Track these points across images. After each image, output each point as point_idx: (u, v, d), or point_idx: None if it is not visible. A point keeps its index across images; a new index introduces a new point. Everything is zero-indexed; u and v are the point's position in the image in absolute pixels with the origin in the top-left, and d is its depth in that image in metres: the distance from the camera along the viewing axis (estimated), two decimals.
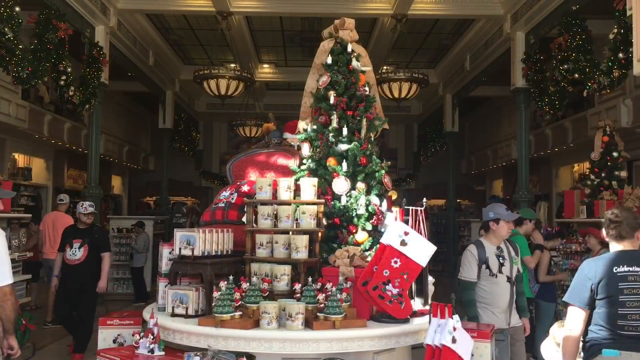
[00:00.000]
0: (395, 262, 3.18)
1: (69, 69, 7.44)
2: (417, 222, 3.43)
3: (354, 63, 3.97)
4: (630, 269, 3.02)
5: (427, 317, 3.38)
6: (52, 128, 11.00)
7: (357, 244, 3.70)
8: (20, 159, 11.54)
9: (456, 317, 3.00)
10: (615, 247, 3.10)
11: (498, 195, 15.56)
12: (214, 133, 18.40)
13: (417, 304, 3.62)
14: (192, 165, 17.36)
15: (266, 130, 5.50)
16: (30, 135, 10.61)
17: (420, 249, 3.20)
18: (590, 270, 3.02)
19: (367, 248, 3.71)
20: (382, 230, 3.76)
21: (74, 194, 11.69)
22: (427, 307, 3.56)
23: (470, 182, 18.15)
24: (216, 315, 3.01)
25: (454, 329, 2.96)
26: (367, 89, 4.00)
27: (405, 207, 3.44)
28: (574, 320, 2.98)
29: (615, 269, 2.98)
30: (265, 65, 14.42)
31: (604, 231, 3.15)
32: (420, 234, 3.29)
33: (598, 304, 2.94)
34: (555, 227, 8.24)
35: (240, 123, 13.61)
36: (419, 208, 3.50)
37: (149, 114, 16.39)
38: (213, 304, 3.08)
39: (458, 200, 16.43)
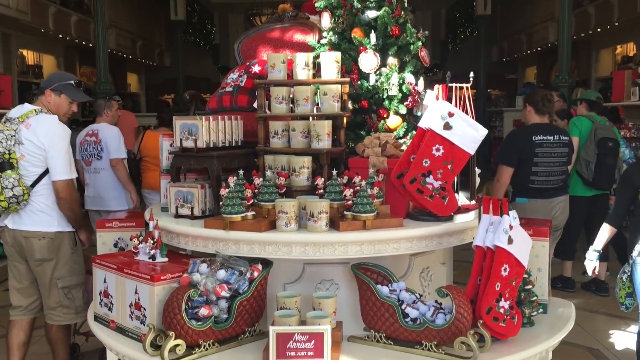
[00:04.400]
0: (438, 150, 2.63)
1: None
2: (463, 103, 2.85)
3: None
4: (544, 137, 4.41)
5: (472, 214, 2.88)
6: (57, 21, 10.36)
7: (389, 131, 3.15)
8: (30, 56, 11.01)
9: (513, 213, 2.49)
10: (535, 119, 4.54)
11: (532, 82, 14.69)
12: (230, 26, 17.48)
13: (461, 198, 3.10)
14: (209, 61, 16.64)
15: (282, 12, 4.81)
16: (36, 30, 9.99)
17: (468, 134, 2.63)
18: (516, 138, 4.54)
19: (400, 136, 3.16)
20: (419, 114, 3.19)
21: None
22: (473, 202, 3.05)
23: (501, 70, 17.20)
24: (225, 215, 2.54)
25: (511, 227, 2.45)
26: None
27: (450, 84, 2.84)
28: (502, 175, 4.38)
29: (534, 137, 4.35)
30: None
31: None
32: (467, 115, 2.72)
33: (519, 164, 4.24)
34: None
35: (256, 12, 12.77)
36: (464, 85, 2.90)
37: (161, 6, 15.49)
38: (221, 203, 2.60)
39: (488, 90, 15.61)
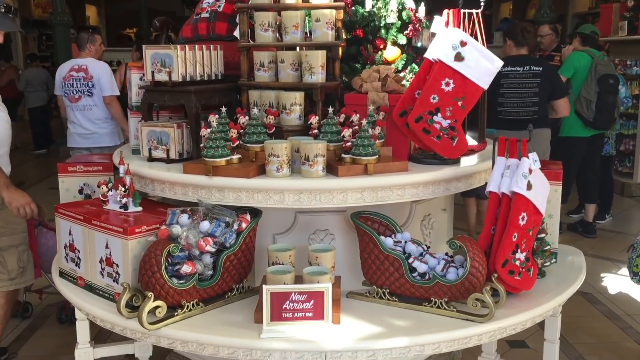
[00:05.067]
0: (447, 84, 2.33)
1: None
2: (474, 32, 2.53)
3: None
4: (513, 68, 4.39)
5: (475, 156, 2.62)
6: None
7: (387, 64, 2.83)
8: None
9: (533, 156, 2.23)
10: (513, 52, 4.52)
11: (508, 18, 14.34)
12: None
13: (468, 139, 2.83)
14: None
15: None
16: None
17: (482, 66, 2.33)
18: None
19: (399, 69, 2.84)
20: (419, 44, 2.87)
21: (41, 25, 10.52)
22: (483, 143, 2.79)
23: (475, 5, 16.74)
24: (207, 159, 2.22)
25: (530, 171, 2.20)
26: None
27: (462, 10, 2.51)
28: None
29: (502, 69, 3.92)
30: None
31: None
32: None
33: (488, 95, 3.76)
34: None
35: None
36: (474, 11, 2.57)
37: None
38: (202, 145, 2.28)
39: None
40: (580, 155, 5.22)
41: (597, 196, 5.58)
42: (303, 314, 2.00)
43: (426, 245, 2.31)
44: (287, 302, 1.99)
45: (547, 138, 4.50)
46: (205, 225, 2.16)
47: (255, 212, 2.31)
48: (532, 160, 2.21)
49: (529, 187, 2.18)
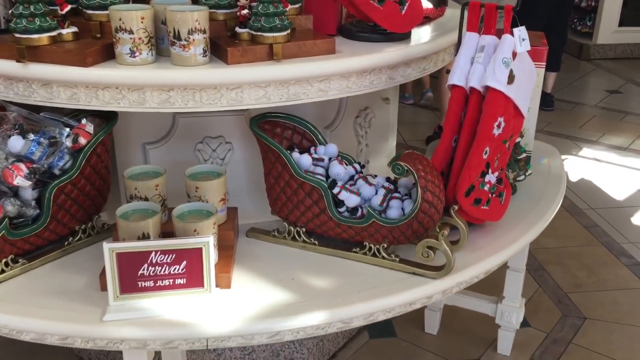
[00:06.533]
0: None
1: None
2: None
3: None
4: None
5: (429, 27, 1.87)
6: None
7: None
8: None
9: (520, 31, 1.50)
10: None
11: None
12: None
13: (423, 2, 2.04)
14: None
15: None
16: None
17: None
18: None
19: None
20: None
21: None
22: (443, 8, 2.02)
23: None
24: (19, 35, 1.40)
25: (514, 56, 1.49)
26: None
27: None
28: None
29: None
30: None
31: None
32: None
33: None
34: None
35: None
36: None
37: None
38: (10, 12, 1.43)
39: None
40: (546, 12, 4.49)
41: (560, 63, 4.96)
42: (170, 281, 1.32)
43: (359, 163, 1.62)
44: (145, 265, 1.30)
45: None
46: (17, 142, 1.39)
47: (108, 116, 1.54)
48: (518, 39, 1.48)
49: (511, 79, 1.48)
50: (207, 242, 1.30)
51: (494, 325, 2.21)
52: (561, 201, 1.90)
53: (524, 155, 1.85)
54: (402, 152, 1.48)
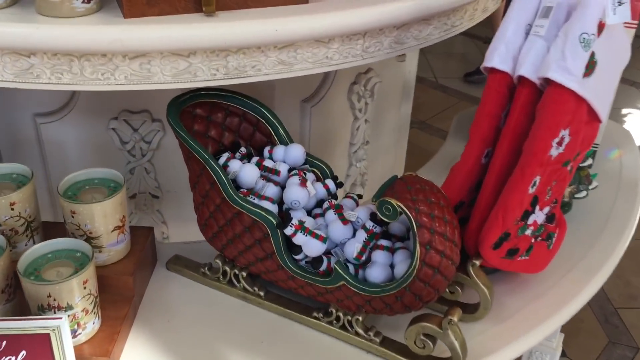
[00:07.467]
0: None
1: None
2: None
3: None
4: None
5: None
6: None
7: None
8: None
9: None
10: None
11: None
12: None
13: None
14: None
15: None
16: None
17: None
18: None
19: None
20: None
21: None
22: None
23: None
24: None
25: (601, 28, 0.88)
26: None
27: None
28: None
29: None
30: None
31: None
32: None
33: None
34: None
35: None
36: None
37: None
38: None
39: None
40: None
41: None
42: None
43: (335, 178, 1.06)
44: None
45: None
46: None
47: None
48: (612, 1, 0.87)
49: (590, 68, 0.88)
50: (58, 327, 0.80)
51: None
52: (637, 221, 1.33)
53: (589, 161, 1.27)
54: (394, 178, 0.92)
